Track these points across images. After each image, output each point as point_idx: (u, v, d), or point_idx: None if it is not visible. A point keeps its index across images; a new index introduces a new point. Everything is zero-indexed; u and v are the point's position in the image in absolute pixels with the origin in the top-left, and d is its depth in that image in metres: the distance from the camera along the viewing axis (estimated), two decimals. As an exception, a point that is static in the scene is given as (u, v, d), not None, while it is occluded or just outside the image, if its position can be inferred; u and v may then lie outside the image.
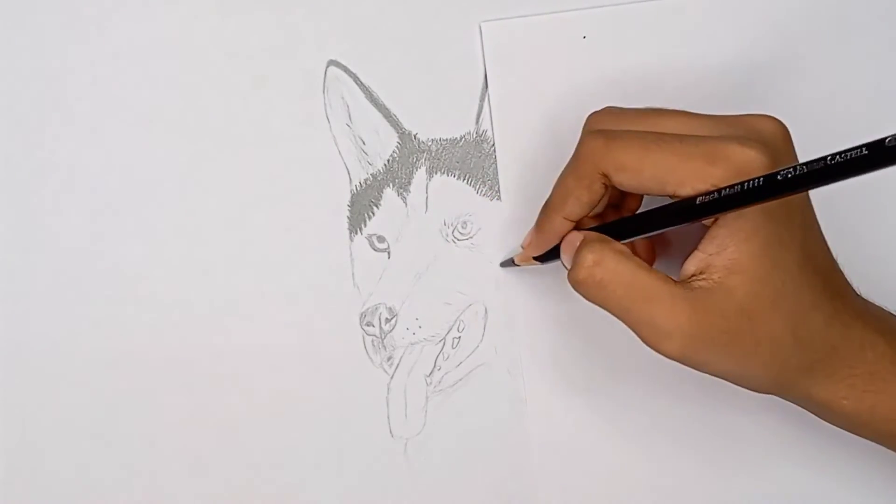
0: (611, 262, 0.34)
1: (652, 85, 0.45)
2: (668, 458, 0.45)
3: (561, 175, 0.38)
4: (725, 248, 0.33)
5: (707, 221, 0.34)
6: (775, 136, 0.36)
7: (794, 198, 0.34)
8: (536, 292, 0.45)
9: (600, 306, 0.35)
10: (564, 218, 0.38)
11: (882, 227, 0.46)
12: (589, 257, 0.35)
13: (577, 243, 0.36)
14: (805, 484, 0.45)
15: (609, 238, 0.36)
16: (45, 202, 0.43)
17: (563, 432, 0.45)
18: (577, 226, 0.38)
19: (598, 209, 0.39)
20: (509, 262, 0.43)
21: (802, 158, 0.45)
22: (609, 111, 0.39)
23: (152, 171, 0.43)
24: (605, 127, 0.37)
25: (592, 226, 0.39)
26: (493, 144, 0.44)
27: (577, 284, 0.35)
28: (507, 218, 0.44)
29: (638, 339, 0.35)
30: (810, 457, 0.45)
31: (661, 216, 0.35)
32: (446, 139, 0.45)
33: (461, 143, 0.44)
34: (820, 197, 0.46)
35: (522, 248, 0.41)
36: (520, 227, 0.44)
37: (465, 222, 0.44)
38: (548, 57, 0.45)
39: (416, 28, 0.45)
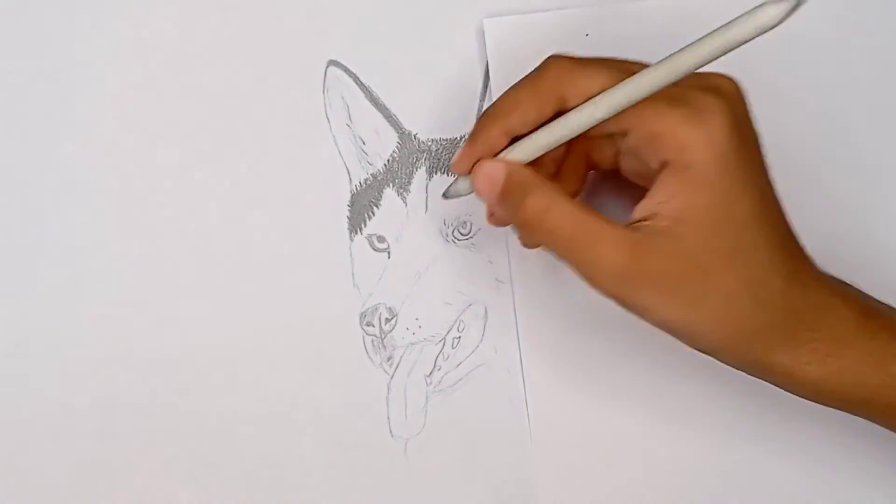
0: (559, 208, 0.34)
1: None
2: (668, 457, 0.45)
3: (514, 86, 0.36)
4: (674, 197, 0.33)
5: (654, 165, 0.34)
6: (731, 91, 0.35)
7: (749, 156, 0.34)
8: (536, 292, 0.44)
9: (543, 246, 0.35)
10: (503, 132, 0.36)
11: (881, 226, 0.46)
12: (540, 203, 0.34)
13: (501, 176, 0.35)
14: (807, 480, 0.45)
15: (543, 179, 0.35)
16: (45, 202, 0.43)
17: (563, 432, 0.45)
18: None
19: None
20: (447, 194, 0.41)
21: (805, 163, 0.45)
22: (571, 56, 0.37)
23: (152, 171, 0.43)
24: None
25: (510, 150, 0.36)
26: (494, 144, 0.44)
27: (522, 225, 0.35)
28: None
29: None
30: (813, 453, 0.45)
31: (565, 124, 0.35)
32: (446, 139, 0.44)
33: (461, 143, 0.44)
34: (822, 197, 0.46)
35: (451, 166, 0.39)
36: (520, 228, 0.44)
37: (465, 222, 0.44)
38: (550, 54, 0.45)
39: (416, 28, 0.45)
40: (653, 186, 0.34)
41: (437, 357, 0.44)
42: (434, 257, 0.44)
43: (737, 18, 0.30)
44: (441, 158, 0.44)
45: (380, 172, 0.44)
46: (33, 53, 0.43)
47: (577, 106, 0.34)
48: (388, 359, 0.44)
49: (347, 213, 0.44)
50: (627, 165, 0.36)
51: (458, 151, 0.37)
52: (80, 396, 0.42)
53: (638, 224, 0.34)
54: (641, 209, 0.34)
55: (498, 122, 0.36)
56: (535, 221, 0.34)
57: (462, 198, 0.39)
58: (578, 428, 0.45)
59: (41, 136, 0.43)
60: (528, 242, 0.38)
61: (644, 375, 0.45)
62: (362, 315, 0.44)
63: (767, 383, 0.38)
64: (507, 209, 0.36)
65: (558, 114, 0.35)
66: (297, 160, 0.44)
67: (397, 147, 0.45)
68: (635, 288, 0.34)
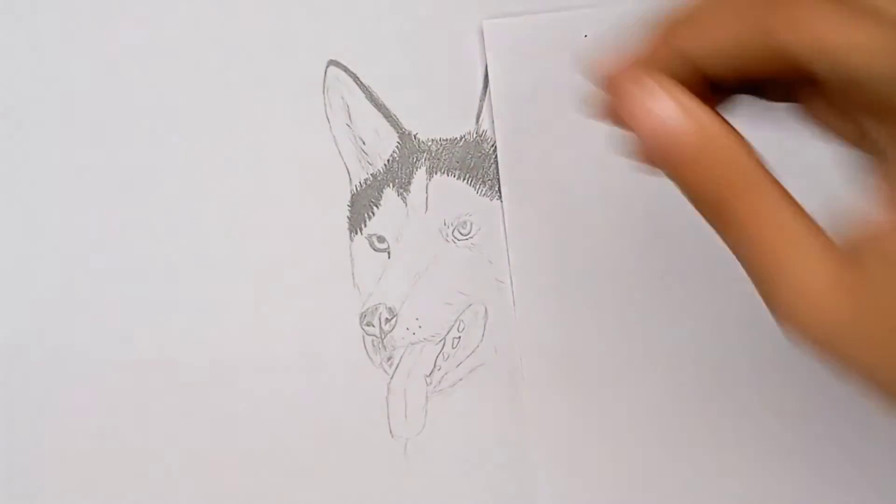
0: (773, 206, 0.21)
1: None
2: (668, 458, 0.45)
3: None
4: None
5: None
6: None
7: None
8: (536, 291, 0.44)
9: (689, 192, 0.22)
10: (683, 61, 0.23)
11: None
12: (756, 204, 0.21)
13: (690, 131, 0.22)
14: (808, 482, 0.45)
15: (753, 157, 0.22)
16: (46, 202, 0.43)
17: (563, 432, 0.45)
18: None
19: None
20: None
21: (801, 159, 0.45)
22: None
23: (152, 171, 0.43)
24: None
25: None
26: (493, 144, 0.44)
27: (653, 141, 0.22)
28: (506, 218, 0.44)
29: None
30: (814, 455, 0.45)
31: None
32: (446, 139, 0.45)
33: (461, 143, 0.44)
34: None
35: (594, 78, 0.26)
36: (520, 228, 0.44)
37: (465, 222, 0.44)
38: (550, 55, 0.45)
39: (416, 28, 0.45)
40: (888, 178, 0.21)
41: (437, 357, 0.44)
42: (434, 257, 0.44)
43: None
44: (441, 158, 0.44)
45: (380, 172, 0.45)
46: (33, 53, 0.43)
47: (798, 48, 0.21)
48: (388, 359, 0.44)
49: (347, 213, 0.44)
50: (822, 112, 0.24)
51: (608, 61, 0.25)
52: (80, 396, 0.42)
53: (857, 246, 0.21)
54: (861, 227, 0.21)
55: (683, 41, 0.23)
56: (680, 134, 0.22)
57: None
58: (578, 428, 0.45)
59: (41, 136, 0.43)
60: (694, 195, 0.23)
61: (644, 376, 0.45)
62: (362, 315, 0.44)
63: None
64: (686, 180, 0.22)
65: (759, 55, 0.22)
66: (297, 160, 0.44)
67: (397, 147, 0.45)
68: (856, 341, 0.21)
